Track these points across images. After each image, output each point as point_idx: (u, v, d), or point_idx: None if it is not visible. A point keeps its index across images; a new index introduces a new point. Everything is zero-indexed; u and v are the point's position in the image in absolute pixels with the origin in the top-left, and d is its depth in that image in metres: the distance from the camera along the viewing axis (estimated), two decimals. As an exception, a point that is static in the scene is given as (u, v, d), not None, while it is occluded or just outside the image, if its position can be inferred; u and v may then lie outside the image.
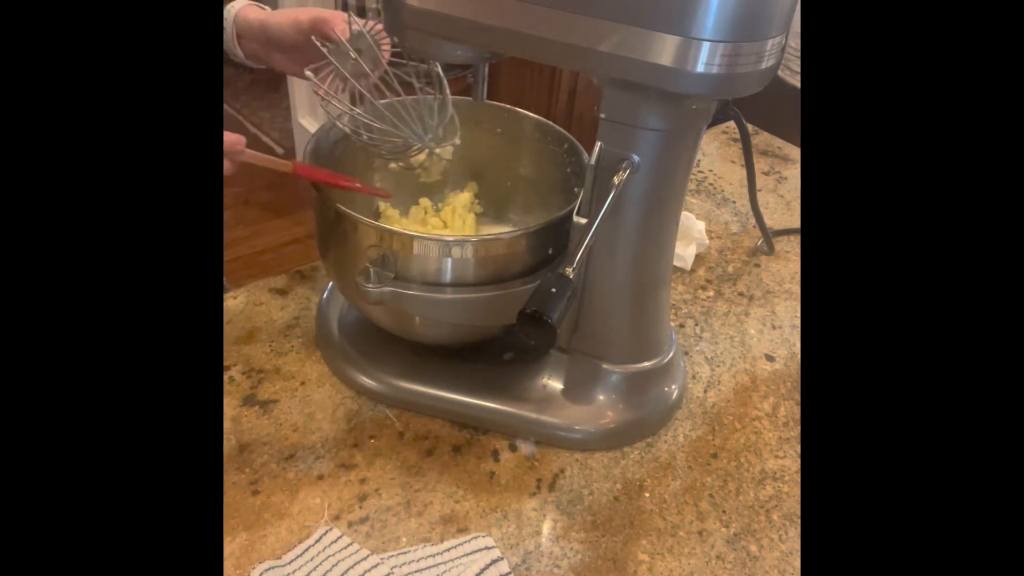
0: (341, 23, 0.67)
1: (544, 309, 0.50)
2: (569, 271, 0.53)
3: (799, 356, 0.83)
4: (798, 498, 0.68)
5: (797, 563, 0.63)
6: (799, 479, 0.70)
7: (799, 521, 0.66)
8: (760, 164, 1.18)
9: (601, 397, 0.72)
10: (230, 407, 0.71)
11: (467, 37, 0.55)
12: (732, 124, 1.27)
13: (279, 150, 2.56)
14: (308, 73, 0.64)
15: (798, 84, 1.46)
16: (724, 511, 0.67)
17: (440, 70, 0.67)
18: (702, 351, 0.83)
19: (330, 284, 0.83)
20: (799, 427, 0.75)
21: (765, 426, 0.75)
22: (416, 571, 0.59)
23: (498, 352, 0.76)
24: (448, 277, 0.64)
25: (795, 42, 1.44)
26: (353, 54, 0.64)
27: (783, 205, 1.10)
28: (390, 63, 0.66)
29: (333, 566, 0.59)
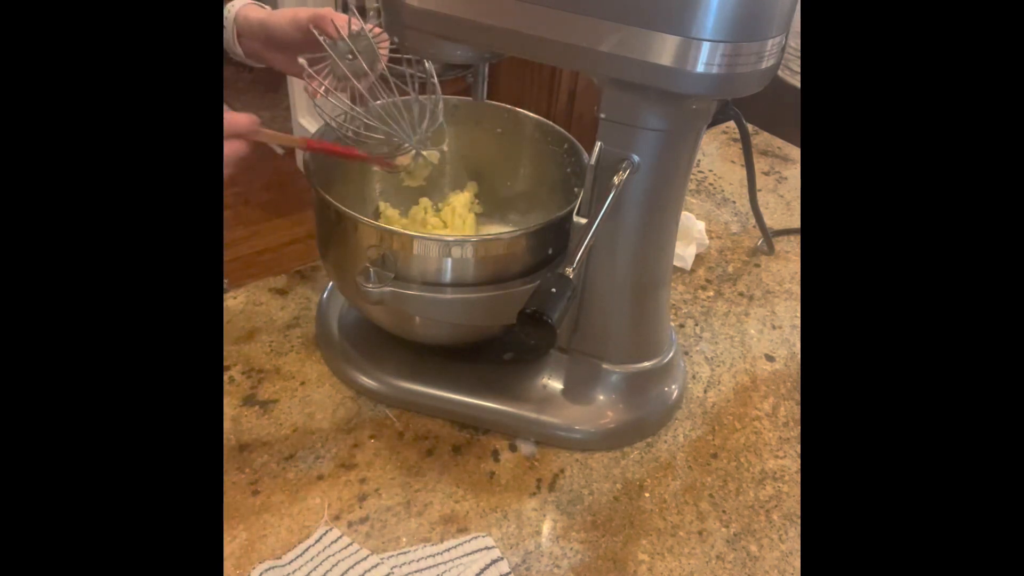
0: (340, 21, 0.67)
1: (544, 309, 0.50)
2: (569, 271, 0.53)
3: (799, 356, 0.83)
4: (798, 498, 0.68)
5: (797, 563, 0.63)
6: (799, 479, 0.70)
7: (799, 521, 0.66)
8: (760, 164, 1.18)
9: (601, 397, 0.72)
10: (230, 407, 0.71)
11: (467, 37, 0.55)
12: (732, 124, 1.27)
13: (279, 150, 2.56)
14: (301, 61, 0.63)
15: (798, 84, 1.46)
16: (724, 511, 0.67)
17: (434, 76, 0.67)
18: (702, 351, 0.83)
19: (330, 284, 0.83)
20: (799, 427, 0.75)
21: (765, 426, 0.75)
22: (416, 571, 0.59)
23: (498, 352, 0.76)
24: (448, 277, 0.64)
25: (795, 42, 1.44)
26: (351, 54, 0.64)
27: (783, 205, 1.10)
28: (394, 73, 0.66)
29: (333, 566, 0.59)
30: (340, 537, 0.61)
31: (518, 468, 0.69)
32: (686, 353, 0.83)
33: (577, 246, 0.55)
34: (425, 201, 0.81)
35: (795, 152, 1.23)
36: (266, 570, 0.58)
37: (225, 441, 0.68)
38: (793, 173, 1.17)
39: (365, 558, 0.60)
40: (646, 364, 0.72)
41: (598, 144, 0.58)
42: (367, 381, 0.73)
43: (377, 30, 0.65)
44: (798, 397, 0.78)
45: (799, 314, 0.89)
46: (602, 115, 0.56)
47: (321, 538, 0.61)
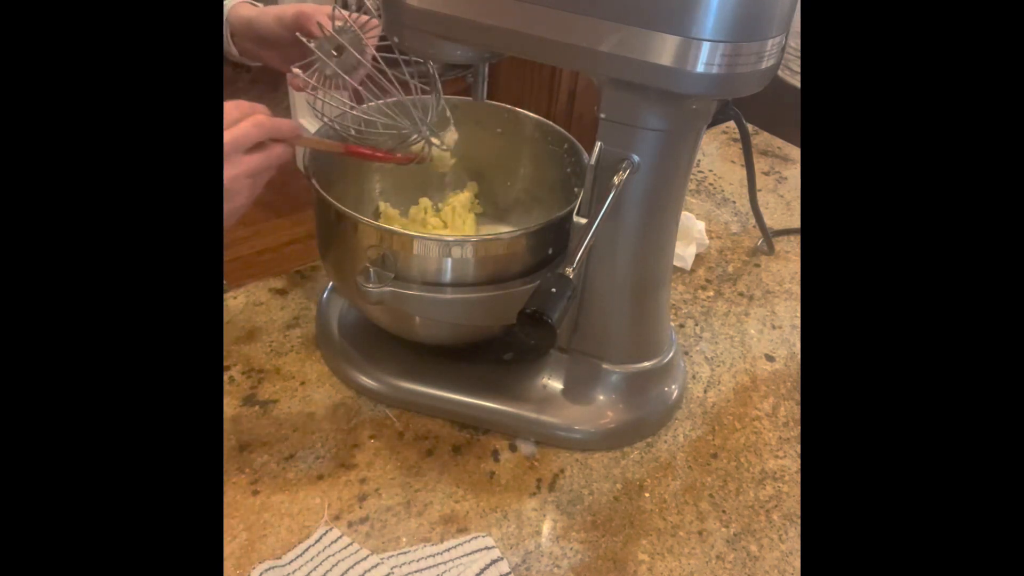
0: (323, 18, 0.67)
1: (544, 309, 0.50)
2: (569, 271, 0.53)
3: (799, 356, 0.83)
4: (798, 498, 0.68)
5: (797, 563, 0.63)
6: (799, 479, 0.70)
7: (799, 521, 0.66)
8: (760, 164, 1.18)
9: (601, 397, 0.72)
10: (230, 407, 0.71)
11: (467, 37, 0.55)
12: (732, 124, 1.27)
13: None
14: (295, 70, 0.63)
15: (798, 84, 1.46)
16: (724, 511, 0.67)
17: (436, 76, 0.67)
18: (702, 351, 0.83)
19: (330, 284, 0.83)
20: (799, 427, 0.75)
21: (765, 426, 0.75)
22: (416, 571, 0.59)
23: (498, 352, 0.76)
24: (448, 277, 0.64)
25: (795, 42, 1.44)
26: (335, 51, 0.63)
27: (783, 205, 1.10)
28: (388, 64, 0.66)
29: (333, 566, 0.59)
30: (340, 537, 0.61)
31: (518, 468, 0.69)
32: (686, 353, 0.83)
33: (577, 246, 0.55)
34: (425, 201, 0.81)
35: (795, 152, 1.23)
36: (266, 570, 0.58)
37: (225, 441, 0.68)
38: (793, 173, 1.17)
39: (365, 558, 0.60)
40: (646, 364, 0.72)
41: (598, 144, 0.57)
42: (367, 381, 0.73)
43: (363, 19, 0.64)
44: (798, 397, 0.78)
45: (799, 314, 0.89)
46: (602, 115, 0.56)
47: (321, 538, 0.61)
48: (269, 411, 0.71)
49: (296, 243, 2.22)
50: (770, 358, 0.83)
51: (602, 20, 0.49)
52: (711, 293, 0.92)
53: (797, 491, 0.69)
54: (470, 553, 0.61)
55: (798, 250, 1.00)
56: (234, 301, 0.83)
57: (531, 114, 0.78)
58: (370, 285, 0.63)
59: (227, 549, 0.60)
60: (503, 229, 0.82)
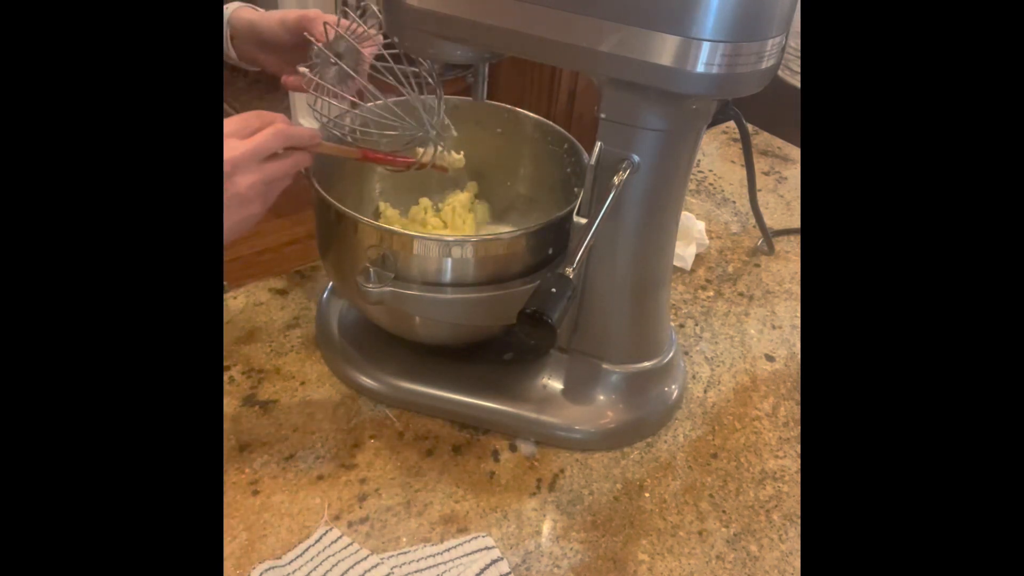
0: (330, 22, 0.67)
1: (544, 309, 0.50)
2: (569, 271, 0.53)
3: (799, 356, 0.83)
4: (798, 498, 0.68)
5: (797, 563, 0.63)
6: (799, 479, 0.70)
7: (799, 521, 0.66)
8: (760, 164, 1.18)
9: (601, 397, 0.72)
10: (230, 407, 0.71)
11: (467, 37, 0.55)
12: (732, 124, 1.27)
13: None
14: (302, 69, 0.64)
15: (798, 84, 1.45)
16: (724, 511, 0.67)
17: (433, 75, 0.67)
18: (702, 351, 0.83)
19: (330, 284, 0.83)
20: (799, 427, 0.75)
21: (765, 426, 0.75)
22: (416, 571, 0.59)
23: (498, 352, 0.76)
24: (448, 277, 0.64)
25: (795, 42, 1.44)
26: (333, 59, 0.64)
27: (783, 205, 1.10)
28: (383, 65, 0.66)
29: (333, 566, 0.59)
30: (340, 537, 0.61)
31: (518, 468, 0.69)
32: (686, 353, 0.83)
33: (577, 246, 0.55)
34: (425, 201, 0.81)
35: (795, 152, 1.23)
36: (266, 570, 0.58)
37: (225, 441, 0.68)
38: (793, 173, 1.17)
39: (365, 558, 0.60)
40: (646, 364, 0.72)
41: (598, 144, 0.57)
42: (367, 381, 0.73)
43: (360, 30, 0.64)
44: (798, 397, 0.78)
45: (799, 314, 0.89)
46: (602, 115, 0.56)
47: (321, 538, 0.61)
48: (269, 411, 0.71)
49: (296, 243, 2.22)
50: (770, 358, 0.83)
51: (602, 20, 0.49)
52: (711, 293, 0.92)
53: (797, 491, 0.69)
54: (470, 553, 0.61)
55: (798, 250, 1.00)
56: (234, 301, 0.83)
57: (531, 114, 0.78)
58: (370, 285, 0.63)
59: (227, 549, 0.60)
60: (503, 229, 0.82)
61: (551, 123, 0.77)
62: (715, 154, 1.21)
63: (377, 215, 0.81)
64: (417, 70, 0.65)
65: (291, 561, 0.59)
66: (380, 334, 0.75)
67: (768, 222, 0.97)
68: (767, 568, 0.63)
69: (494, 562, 0.60)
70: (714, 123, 0.90)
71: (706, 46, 0.47)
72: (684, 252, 0.94)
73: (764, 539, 0.65)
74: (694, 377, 0.80)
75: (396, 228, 0.64)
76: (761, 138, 1.26)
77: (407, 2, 0.55)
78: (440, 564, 0.60)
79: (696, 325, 0.87)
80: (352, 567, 0.59)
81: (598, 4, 0.49)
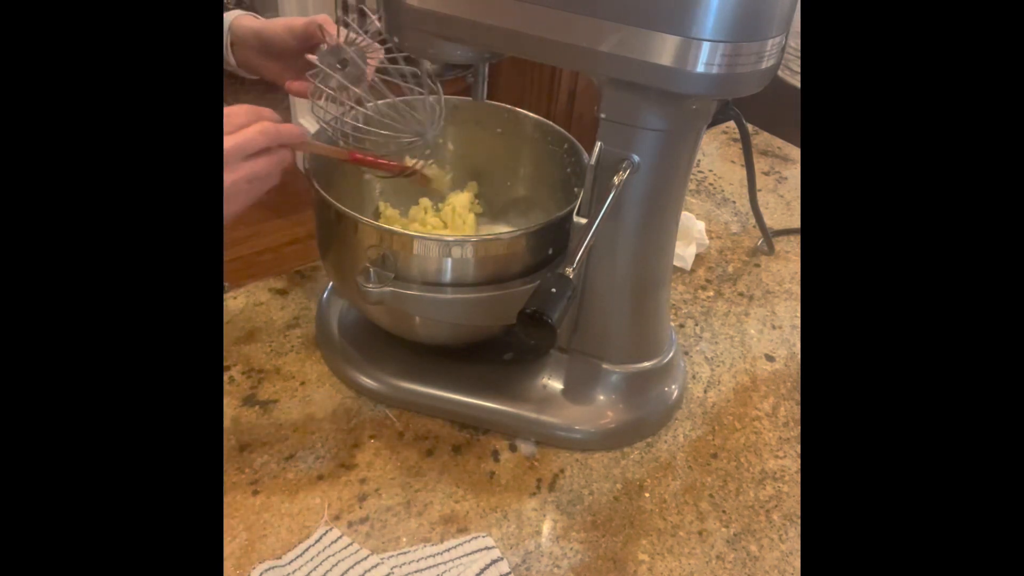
0: (333, 27, 0.67)
1: (544, 309, 0.50)
2: (569, 271, 0.53)
3: (799, 356, 0.83)
4: (798, 498, 0.68)
5: (797, 563, 0.63)
6: (799, 479, 0.70)
7: (799, 521, 0.66)
8: (760, 164, 1.18)
9: (601, 397, 0.72)
10: (230, 407, 0.71)
11: (467, 37, 0.55)
12: (732, 124, 1.27)
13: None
14: (312, 58, 0.63)
15: (798, 84, 1.45)
16: (724, 511, 0.67)
17: (431, 77, 0.67)
18: (702, 351, 0.83)
19: (330, 284, 0.83)
20: (799, 427, 0.75)
21: (765, 426, 0.75)
22: (416, 571, 0.59)
23: (498, 352, 0.76)
24: (448, 277, 0.64)
25: (795, 42, 1.44)
26: (340, 63, 0.64)
27: (783, 205, 1.10)
28: (382, 78, 0.66)
29: (333, 566, 0.59)
30: (340, 537, 0.61)
31: (518, 468, 0.69)
32: (686, 353, 0.83)
33: (577, 246, 0.55)
34: (425, 201, 0.81)
35: (795, 152, 1.23)
36: (266, 570, 0.58)
37: (225, 441, 0.68)
38: (793, 173, 1.17)
39: (365, 558, 0.60)
40: (646, 364, 0.72)
41: (598, 144, 0.57)
42: (367, 381, 0.73)
43: (363, 43, 0.64)
44: (798, 397, 0.78)
45: (799, 314, 0.89)
46: (602, 115, 0.56)
47: (321, 538, 0.61)
48: (269, 411, 0.71)
49: (296, 243, 2.22)
50: (770, 358, 0.83)
51: (602, 20, 0.49)
52: (711, 293, 0.92)
53: (797, 491, 0.69)
54: (470, 553, 0.61)
55: (798, 250, 1.00)
56: (234, 301, 0.83)
57: (531, 114, 0.78)
58: (370, 285, 0.63)
59: (227, 549, 0.60)
60: (503, 229, 0.82)
61: (551, 123, 0.77)
62: (715, 154, 1.21)
63: (377, 215, 0.81)
64: (417, 72, 0.65)
65: (291, 561, 0.59)
66: (380, 334, 0.75)
67: (768, 222, 0.97)
68: (767, 568, 0.63)
69: (494, 562, 0.60)
70: (714, 123, 0.90)
71: (706, 46, 0.47)
72: (684, 252, 0.94)
73: (764, 539, 0.65)
74: (694, 377, 0.80)
75: (396, 228, 0.64)
76: (761, 138, 1.26)
77: (407, 2, 0.55)
78: (440, 564, 0.60)
79: (696, 325, 0.87)
80: (352, 567, 0.59)
81: (598, 4, 0.49)
